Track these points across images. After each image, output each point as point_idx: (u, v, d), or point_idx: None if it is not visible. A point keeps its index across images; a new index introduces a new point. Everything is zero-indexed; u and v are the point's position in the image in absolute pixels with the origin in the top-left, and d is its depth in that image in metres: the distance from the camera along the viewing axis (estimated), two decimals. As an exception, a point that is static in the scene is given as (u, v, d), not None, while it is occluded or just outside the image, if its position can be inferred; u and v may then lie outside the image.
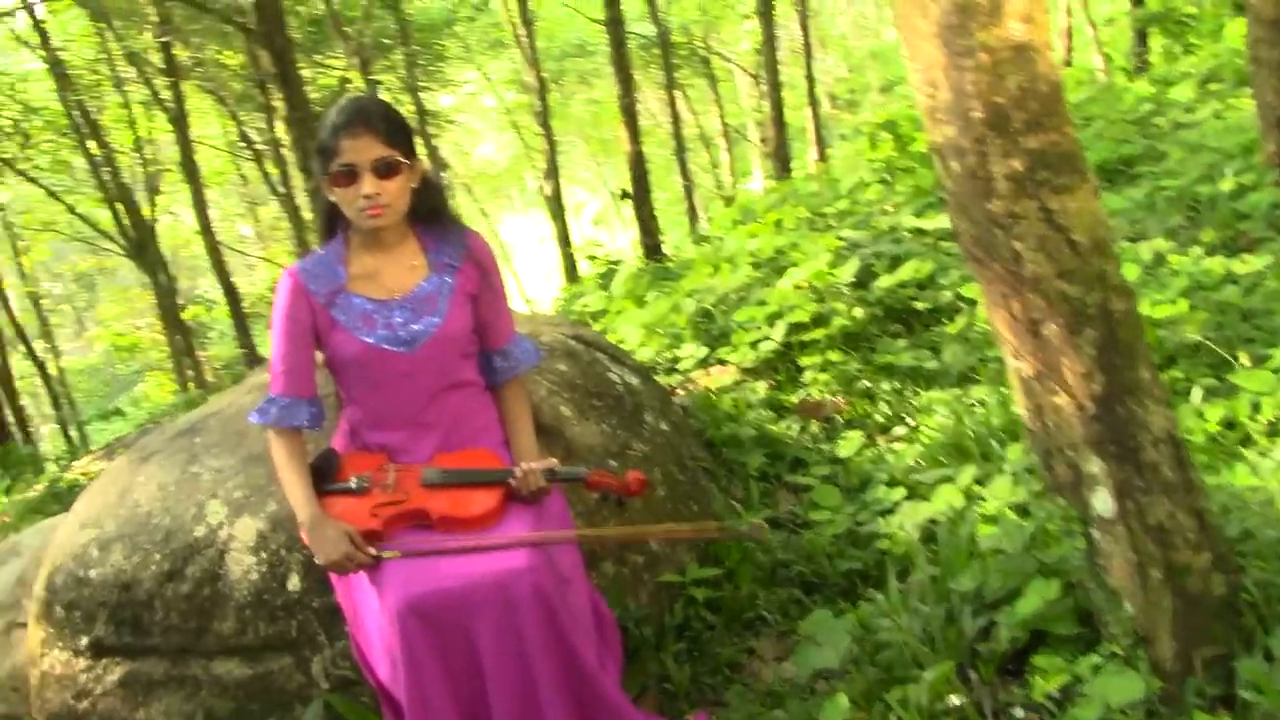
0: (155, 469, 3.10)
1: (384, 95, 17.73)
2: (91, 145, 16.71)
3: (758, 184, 23.27)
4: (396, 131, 2.54)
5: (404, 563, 2.41)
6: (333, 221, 2.73)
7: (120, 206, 17.35)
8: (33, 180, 18.98)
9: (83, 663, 2.95)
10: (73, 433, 22.03)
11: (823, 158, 15.90)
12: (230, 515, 2.89)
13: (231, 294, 15.77)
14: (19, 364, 23.48)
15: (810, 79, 16.44)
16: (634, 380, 3.58)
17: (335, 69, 16.43)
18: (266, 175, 18.24)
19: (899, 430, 4.01)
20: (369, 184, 2.48)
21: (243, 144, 18.41)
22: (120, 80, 16.60)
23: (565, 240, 16.57)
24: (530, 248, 32.42)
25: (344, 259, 2.64)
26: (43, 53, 15.65)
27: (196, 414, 3.41)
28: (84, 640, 2.94)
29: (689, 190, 21.16)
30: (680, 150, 20.05)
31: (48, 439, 26.32)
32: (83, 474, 9.47)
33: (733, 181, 24.87)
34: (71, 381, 27.02)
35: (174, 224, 22.48)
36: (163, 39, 13.55)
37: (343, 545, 2.45)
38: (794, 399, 4.39)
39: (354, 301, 2.61)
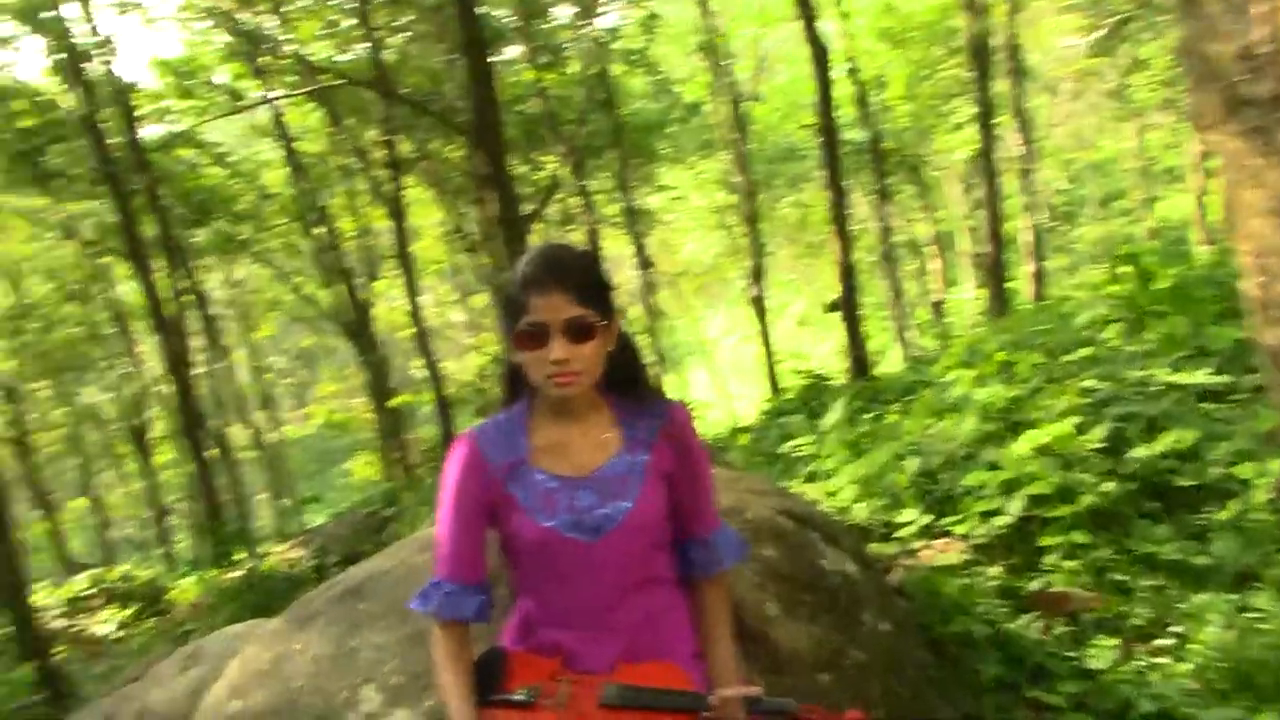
0: (314, 637, 2.82)
1: (595, 194, 17.93)
2: (318, 230, 17.44)
3: (968, 294, 22.43)
4: (592, 288, 2.17)
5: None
6: (516, 383, 2.39)
7: (341, 288, 18.01)
8: (265, 261, 19.97)
9: None
10: (285, 501, 22.80)
11: (1039, 273, 15.10)
12: (385, 705, 2.56)
13: (436, 379, 15.98)
14: (238, 435, 24.57)
15: (1027, 190, 15.70)
16: (852, 568, 3.09)
17: (549, 166, 16.66)
18: (479, 266, 18.61)
19: (1162, 640, 3.36)
20: (559, 347, 2.12)
21: (458, 234, 18.88)
22: (348, 171, 17.32)
23: (767, 343, 16.23)
24: (733, 344, 32.20)
25: (526, 428, 2.29)
26: (281, 144, 16.49)
27: (364, 571, 3.12)
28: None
29: (897, 297, 20.54)
30: (888, 257, 19.51)
31: (260, 509, 27.38)
32: (283, 559, 9.58)
33: (942, 289, 24.06)
34: (286, 453, 28.15)
35: (390, 308, 23.21)
36: (386, 137, 13.99)
37: None
38: (1033, 587, 3.78)
39: (535, 478, 2.24)
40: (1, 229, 17.86)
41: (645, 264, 18.46)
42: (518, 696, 2.18)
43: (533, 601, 2.32)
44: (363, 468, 26.25)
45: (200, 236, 18.24)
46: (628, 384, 2.29)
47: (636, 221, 17.82)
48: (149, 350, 20.42)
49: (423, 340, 15.93)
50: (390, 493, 11.99)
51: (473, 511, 2.26)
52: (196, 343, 20.85)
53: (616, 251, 22.95)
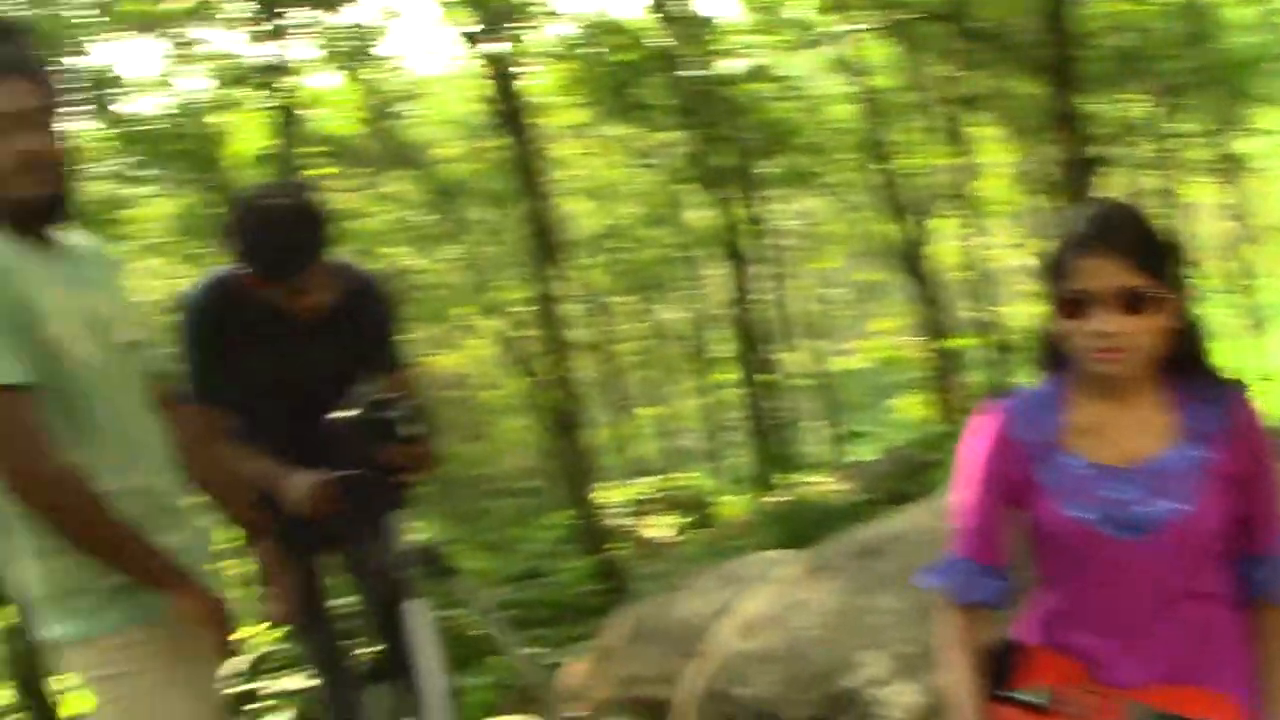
0: (825, 590, 2.78)
1: (1179, 137, 16.20)
2: (882, 165, 17.42)
3: None
4: (1153, 255, 1.86)
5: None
6: (1057, 353, 2.14)
7: (901, 225, 17.91)
8: (830, 194, 20.35)
9: (717, 784, 2.74)
10: (833, 432, 23.37)
11: None
12: (889, 673, 2.46)
13: (991, 324, 15.42)
14: (794, 361, 25.44)
15: None
16: None
17: (1128, 105, 15.28)
18: (1044, 210, 17.64)
19: None
20: (1105, 320, 1.84)
21: (1026, 174, 17.98)
22: (917, 106, 17.05)
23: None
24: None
25: (1064, 404, 2.04)
26: (852, 79, 16.60)
27: (883, 531, 3.03)
28: (722, 761, 2.72)
29: None
30: None
31: (809, 436, 28.30)
32: (825, 490, 9.80)
33: None
34: (841, 384, 28.77)
35: (950, 247, 22.74)
36: (958, 73, 13.56)
37: None
38: None
39: (1067, 462, 1.99)
40: (597, 156, 19.66)
41: (1235, 216, 16.46)
42: (1031, 698, 1.98)
43: (1057, 597, 2.09)
44: (911, 407, 26.17)
45: (771, 168, 18.90)
46: (1188, 365, 1.96)
47: (1227, 169, 15.88)
48: (718, 275, 21.63)
49: (981, 283, 15.41)
50: (935, 438, 11.81)
51: (997, 491, 2.06)
52: (762, 270, 21.82)
53: (1198, 201, 20.67)
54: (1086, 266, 1.84)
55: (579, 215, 22.75)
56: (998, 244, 25.40)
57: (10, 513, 2.24)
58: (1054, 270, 1.93)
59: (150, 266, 15.21)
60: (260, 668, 5.75)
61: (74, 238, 2.46)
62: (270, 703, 5.50)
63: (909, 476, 9.54)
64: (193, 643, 2.57)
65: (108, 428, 2.33)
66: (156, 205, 14.08)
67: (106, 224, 11.81)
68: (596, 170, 19.95)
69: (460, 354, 24.47)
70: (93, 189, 12.21)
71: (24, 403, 2.15)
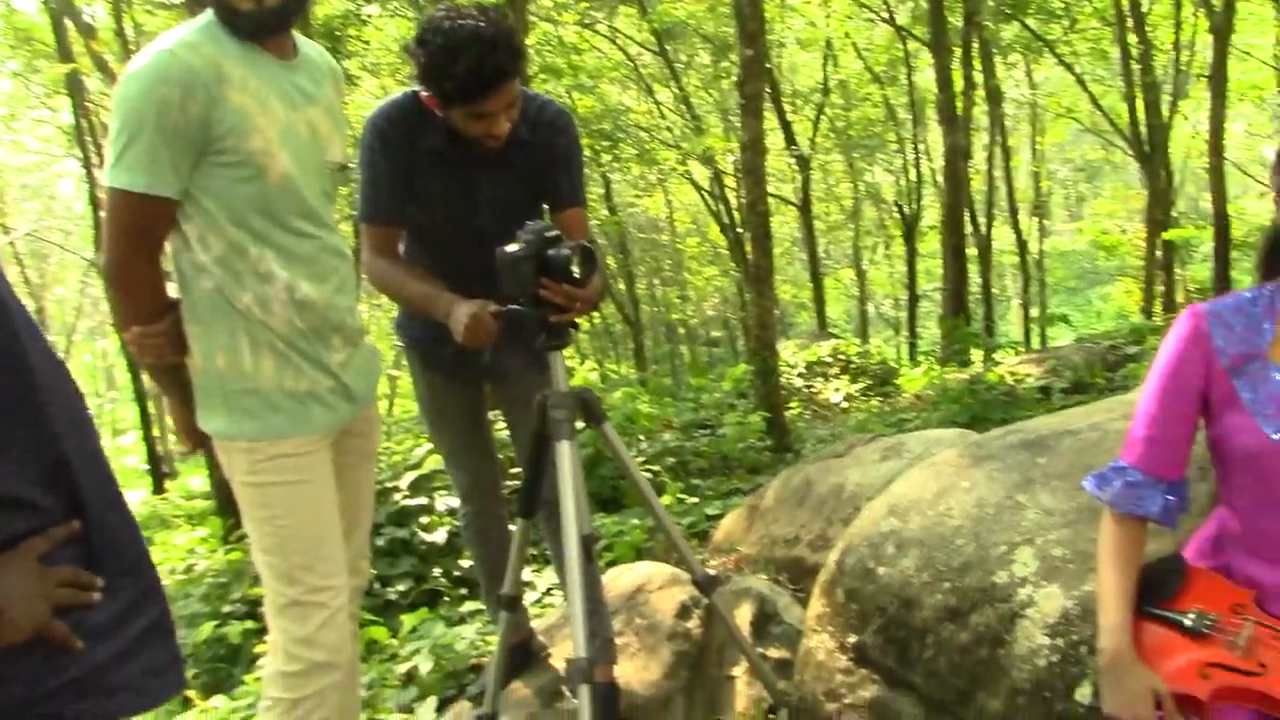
0: (982, 479, 2.65)
1: None
2: (1131, 39, 16.21)
3: None
4: None
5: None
6: (1275, 255, 1.94)
7: (1141, 105, 16.74)
8: (1068, 66, 19.11)
9: (844, 661, 2.69)
10: (1033, 313, 22.54)
11: None
12: (1039, 575, 2.34)
13: (1221, 219, 14.38)
14: (1004, 237, 24.49)
15: None
16: None
17: None
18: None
19: None
20: (1346, 220, 1.68)
21: (1290, 59, 16.47)
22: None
23: None
24: None
25: (1275, 313, 1.86)
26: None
27: (1054, 422, 2.86)
28: (851, 638, 2.66)
29: None
30: None
31: (1007, 315, 27.41)
32: (1009, 373, 9.46)
33: None
34: (1048, 265, 27.59)
35: (1192, 132, 21.18)
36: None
37: (1141, 708, 1.80)
38: None
39: (1273, 377, 1.83)
40: (824, 6, 18.91)
41: None
42: (1187, 620, 1.86)
43: (1235, 519, 1.95)
44: (1122, 296, 24.96)
45: (1007, 32, 17.85)
46: None
47: None
48: (935, 139, 20.82)
49: (1218, 173, 14.30)
50: (1140, 330, 11.21)
51: (1185, 399, 1.91)
52: (982, 139, 20.84)
53: None
54: None
55: (799, 67, 22.12)
56: (1247, 132, 23.57)
57: (206, 307, 2.34)
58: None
59: (374, 87, 15.56)
60: (420, 487, 5.99)
61: (304, 48, 2.48)
62: (426, 519, 5.74)
63: (1104, 369, 9.11)
64: (353, 455, 2.67)
65: (298, 241, 2.39)
66: (387, 25, 14.29)
67: (337, 39, 12.06)
68: (822, 21, 19.22)
69: (664, 199, 24.48)
70: (328, 2, 12.47)
71: (146, 210, 2.21)
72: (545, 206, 3.09)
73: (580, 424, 2.78)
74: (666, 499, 5.80)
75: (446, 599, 5.23)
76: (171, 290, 2.37)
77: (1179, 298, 17.41)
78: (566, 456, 2.64)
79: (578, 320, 2.74)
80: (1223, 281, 14.15)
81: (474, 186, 2.94)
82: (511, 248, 2.62)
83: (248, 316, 2.33)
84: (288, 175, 2.31)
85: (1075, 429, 2.73)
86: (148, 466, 14.79)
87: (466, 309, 2.66)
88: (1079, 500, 2.46)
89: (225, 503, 7.60)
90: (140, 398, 15.52)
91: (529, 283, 2.61)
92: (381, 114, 2.87)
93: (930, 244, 24.39)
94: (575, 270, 2.60)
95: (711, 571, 3.11)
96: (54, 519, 1.49)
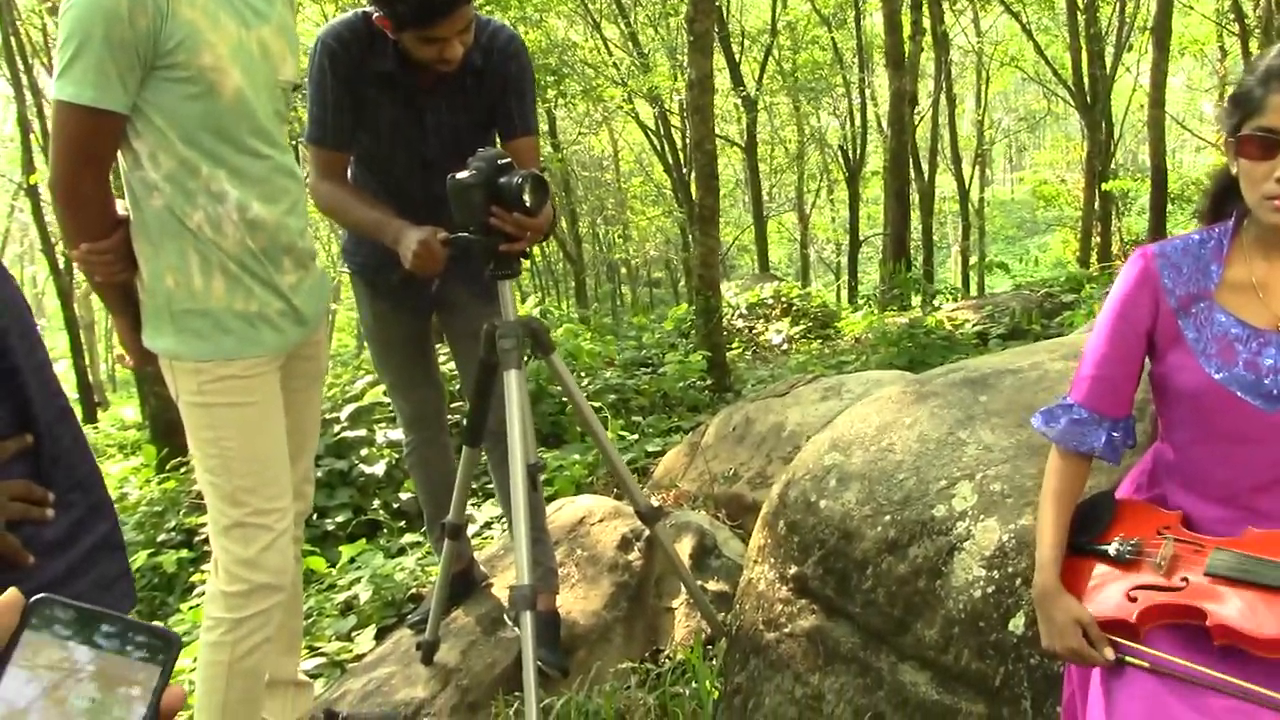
0: (925, 415, 2.69)
1: None
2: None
3: None
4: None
5: (1150, 683, 1.74)
6: (1224, 199, 1.97)
7: (1085, 56, 16.87)
8: (1014, 14, 19.18)
9: (783, 592, 2.73)
10: (971, 260, 22.79)
11: None
12: (977, 510, 2.39)
13: (1159, 172, 14.60)
14: (946, 184, 24.69)
15: None
16: None
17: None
18: (1247, 53, 16.36)
19: None
20: (1293, 164, 1.71)
21: (1231, 15, 16.64)
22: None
23: None
24: None
25: (1223, 256, 1.90)
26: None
27: (992, 363, 2.90)
28: (792, 569, 2.70)
29: None
30: None
31: (946, 263, 27.68)
32: (948, 318, 9.58)
33: None
34: (988, 213, 27.88)
35: (1134, 85, 21.41)
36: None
37: (1070, 638, 1.84)
38: None
39: (1217, 318, 1.86)
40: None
41: None
42: (1111, 549, 1.91)
43: (1171, 454, 1.99)
44: (1059, 246, 25.31)
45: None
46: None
47: None
48: (881, 85, 20.82)
49: (1158, 126, 14.49)
50: (1076, 279, 11.39)
51: (1130, 337, 1.94)
52: (928, 86, 20.89)
53: None
54: None
55: (748, 7, 21.96)
56: (1186, 86, 23.83)
57: (156, 226, 2.29)
58: (1242, 105, 1.76)
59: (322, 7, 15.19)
60: (360, 419, 5.95)
61: None
62: (365, 451, 5.71)
63: (1041, 316, 9.26)
64: (301, 378, 2.64)
65: (251, 161, 2.34)
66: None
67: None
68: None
69: (609, 137, 24.31)
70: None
71: (93, 125, 2.16)
72: (496, 136, 3.06)
73: (528, 352, 2.77)
74: (609, 435, 5.82)
75: (385, 531, 5.23)
76: (121, 208, 2.32)
77: (1115, 248, 17.71)
78: (514, 385, 2.63)
79: (527, 250, 2.73)
80: (1158, 233, 14.38)
81: (423, 112, 2.89)
82: (462, 175, 2.59)
83: (198, 236, 2.29)
84: (240, 93, 2.27)
85: (1016, 368, 2.78)
86: (78, 395, 14.52)
87: (416, 235, 2.63)
88: (1019, 437, 2.51)
89: (160, 432, 7.50)
90: (71, 325, 15.20)
91: (480, 211, 2.58)
92: (332, 33, 2.81)
93: (873, 189, 24.49)
94: (527, 199, 2.58)
95: (655, 504, 3.13)
96: (5, 432, 1.47)
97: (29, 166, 13.79)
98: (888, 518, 2.51)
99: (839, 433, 2.82)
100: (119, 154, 2.27)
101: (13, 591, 0.61)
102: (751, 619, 2.81)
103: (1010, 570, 2.29)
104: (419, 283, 2.83)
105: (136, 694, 0.60)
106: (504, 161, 2.62)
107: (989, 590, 2.30)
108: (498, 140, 3.06)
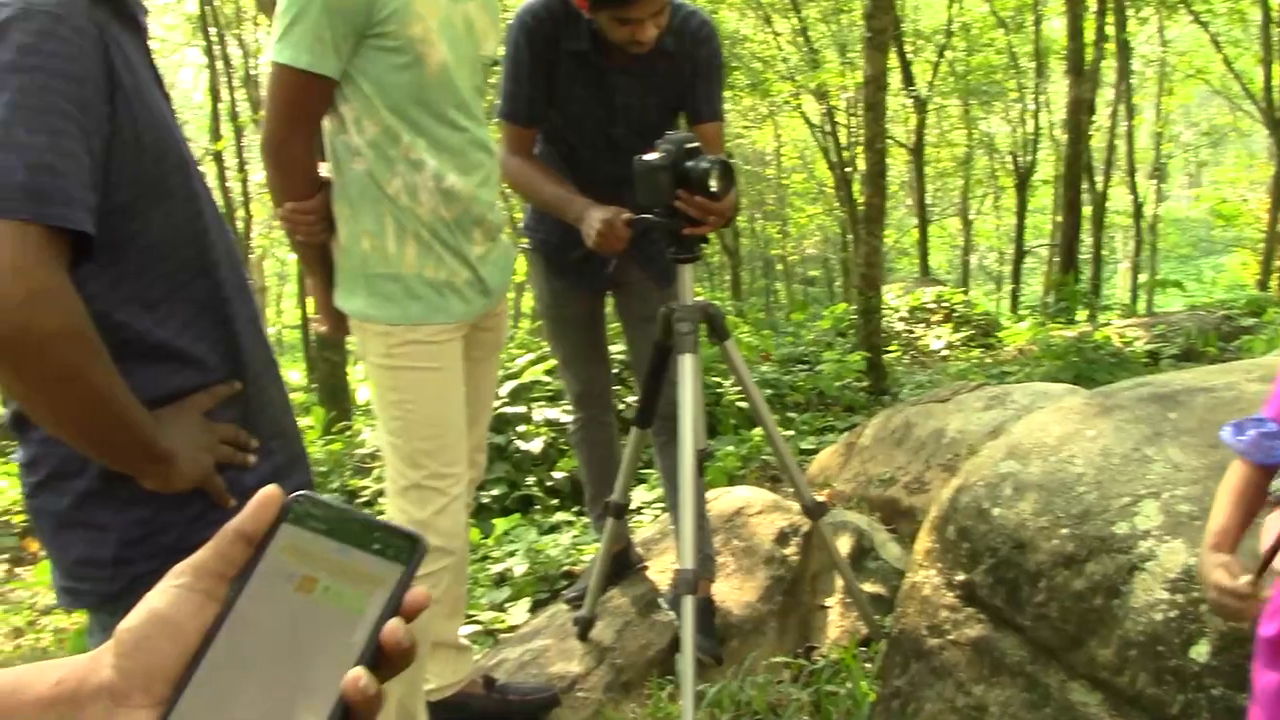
0: (1109, 428, 2.60)
1: None
2: (1274, 1, 15.54)
3: None
4: None
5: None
6: None
7: (1277, 70, 16.06)
8: (1203, 24, 18.35)
9: (949, 598, 2.67)
10: (1143, 277, 21.93)
11: None
12: (1163, 530, 2.30)
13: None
14: (1119, 197, 23.79)
15: None
16: None
17: None
18: None
19: None
20: None
21: None
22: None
23: None
24: None
25: None
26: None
27: (1184, 380, 2.78)
28: (960, 576, 2.64)
29: None
30: None
31: (1116, 278, 26.70)
32: (1117, 334, 9.24)
33: None
34: (1162, 230, 26.77)
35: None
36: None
37: (1210, 574, 1.78)
38: None
39: None
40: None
41: None
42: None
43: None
44: (1238, 267, 24.16)
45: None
46: None
47: None
48: (1056, 92, 20.18)
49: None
50: (1258, 302, 10.84)
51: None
52: (1106, 95, 20.15)
53: None
54: None
55: (923, 6, 21.53)
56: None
57: (356, 190, 2.38)
58: None
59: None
60: (519, 396, 6.05)
61: None
62: (523, 428, 5.81)
63: (1218, 339, 8.85)
64: (482, 349, 2.71)
65: (450, 132, 2.41)
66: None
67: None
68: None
69: (774, 132, 24.16)
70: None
71: (305, 87, 2.25)
72: (682, 119, 3.07)
73: (704, 338, 2.78)
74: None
75: (538, 507, 5.31)
76: (324, 170, 2.41)
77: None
78: (688, 370, 2.64)
79: (708, 235, 2.74)
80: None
81: (613, 92, 2.92)
82: (650, 156, 2.60)
83: (395, 202, 2.36)
84: (445, 65, 2.33)
85: (1210, 386, 2.66)
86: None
87: (600, 214, 2.66)
88: (1210, 458, 2.40)
89: (328, 395, 7.77)
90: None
91: (665, 193, 2.60)
92: (530, 10, 2.86)
93: (1040, 199, 23.77)
94: (713, 184, 2.58)
95: (820, 498, 3.10)
96: (218, 377, 1.54)
97: (216, 134, 14.41)
98: (1065, 531, 2.43)
99: (1016, 440, 2.75)
100: (325, 119, 2.36)
101: (273, 486, 0.66)
102: (914, 623, 2.76)
103: (1195, 595, 2.20)
104: (597, 261, 2.86)
105: (380, 589, 0.63)
106: (692, 145, 2.63)
107: (1171, 614, 2.21)
108: (683, 124, 3.07)
